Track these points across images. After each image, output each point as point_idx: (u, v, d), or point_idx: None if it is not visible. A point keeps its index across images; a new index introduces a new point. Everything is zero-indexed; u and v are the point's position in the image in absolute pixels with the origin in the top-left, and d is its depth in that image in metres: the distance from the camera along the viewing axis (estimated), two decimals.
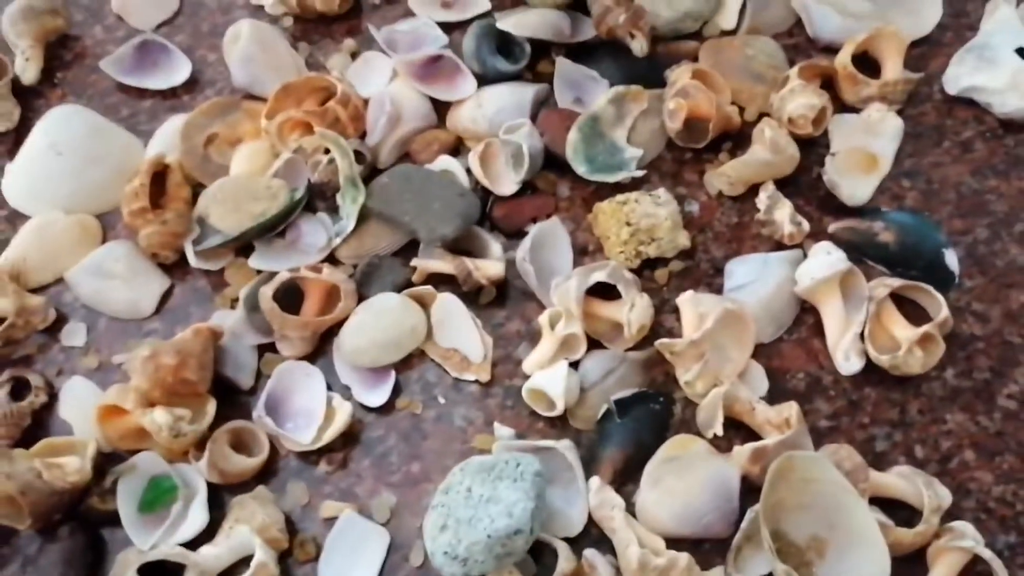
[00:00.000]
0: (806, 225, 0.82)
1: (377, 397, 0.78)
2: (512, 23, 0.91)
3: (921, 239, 0.82)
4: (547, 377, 0.75)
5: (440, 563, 0.67)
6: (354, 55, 0.96)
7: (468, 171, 0.86)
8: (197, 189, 0.87)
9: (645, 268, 0.82)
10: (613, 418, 0.75)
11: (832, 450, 0.71)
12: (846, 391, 0.76)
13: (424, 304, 0.81)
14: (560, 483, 0.73)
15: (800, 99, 0.85)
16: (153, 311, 0.84)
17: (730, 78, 0.89)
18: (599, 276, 0.78)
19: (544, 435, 0.76)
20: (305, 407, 0.78)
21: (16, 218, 0.89)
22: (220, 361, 0.79)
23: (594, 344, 0.79)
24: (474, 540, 0.66)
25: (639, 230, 0.81)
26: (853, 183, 0.84)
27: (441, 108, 0.92)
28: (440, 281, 0.82)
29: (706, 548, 0.71)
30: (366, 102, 0.91)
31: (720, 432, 0.73)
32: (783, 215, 0.81)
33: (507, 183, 0.86)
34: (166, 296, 0.85)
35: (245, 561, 0.70)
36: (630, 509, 0.72)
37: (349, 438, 0.77)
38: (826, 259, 0.78)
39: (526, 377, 0.77)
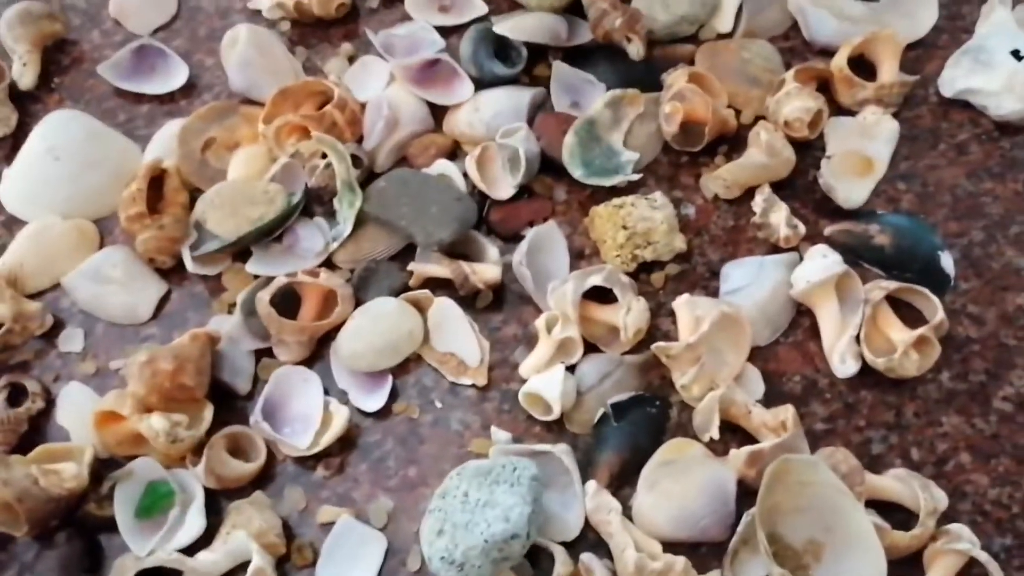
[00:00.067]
0: (802, 228, 0.82)
1: (374, 402, 0.78)
2: (509, 27, 0.91)
3: (917, 242, 0.82)
4: (544, 381, 0.75)
5: (437, 568, 0.67)
6: (351, 59, 0.96)
7: (465, 175, 0.86)
8: (194, 194, 0.87)
9: (641, 271, 0.82)
10: (609, 422, 0.75)
11: (828, 453, 0.71)
12: (842, 394, 0.77)
13: (421, 308, 0.81)
14: (557, 487, 0.73)
15: (796, 102, 0.85)
16: (150, 316, 0.84)
17: (726, 81, 0.89)
18: (595, 280, 0.78)
19: (541, 439, 0.76)
20: (302, 412, 0.78)
21: (13, 223, 0.89)
22: (217, 366, 0.79)
23: (591, 348, 0.79)
24: (471, 545, 0.66)
25: (635, 234, 0.81)
26: (849, 186, 0.84)
27: (438, 112, 0.92)
28: (437, 285, 0.82)
29: (703, 552, 0.71)
30: (363, 106, 0.91)
31: (716, 435, 0.74)
32: (779, 218, 0.81)
33: (504, 187, 0.86)
34: (163, 301, 0.85)
35: (243, 567, 0.70)
36: (627, 513, 0.72)
37: (346, 443, 0.77)
38: (822, 262, 0.78)
39: (523, 381, 0.77)
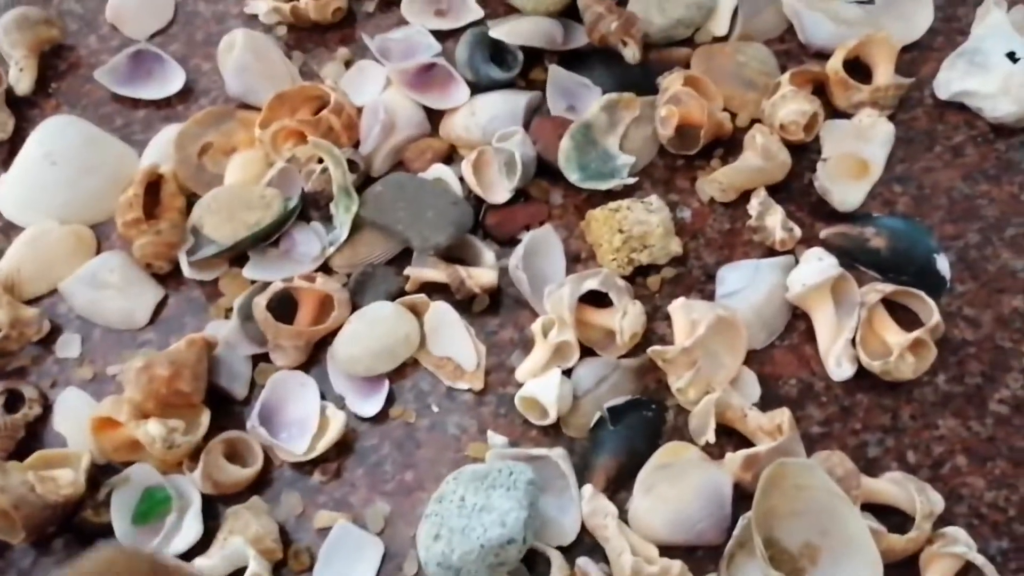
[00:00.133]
0: (798, 231, 0.82)
1: (371, 406, 0.78)
2: (505, 31, 0.91)
3: (912, 244, 0.82)
4: (540, 385, 0.75)
5: (433, 573, 0.67)
6: (348, 64, 0.96)
7: (461, 179, 0.87)
8: (191, 199, 0.87)
9: (637, 275, 0.82)
10: (606, 426, 0.75)
11: (824, 456, 0.71)
12: (838, 397, 0.77)
13: (417, 313, 0.81)
14: (553, 491, 0.73)
15: (791, 105, 0.85)
16: (147, 321, 0.84)
17: (722, 85, 0.89)
18: (591, 284, 0.78)
19: (537, 443, 0.76)
20: (299, 417, 0.78)
21: (10, 229, 0.89)
22: (214, 371, 0.79)
23: (587, 352, 0.79)
24: (467, 549, 0.66)
25: (631, 237, 0.81)
26: (844, 189, 0.84)
27: (434, 116, 0.92)
28: (433, 289, 0.82)
29: (699, 555, 0.71)
30: (360, 111, 0.91)
31: (712, 439, 0.74)
32: (775, 221, 0.82)
33: (500, 191, 0.86)
34: (160, 306, 0.85)
35: (240, 572, 0.70)
36: (623, 517, 0.72)
37: (343, 447, 0.77)
38: (818, 265, 0.78)
39: (519, 385, 0.77)
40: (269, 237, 0.84)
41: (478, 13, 0.97)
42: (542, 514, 0.71)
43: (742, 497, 0.71)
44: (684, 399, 0.76)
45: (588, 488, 0.72)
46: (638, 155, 0.88)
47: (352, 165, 0.86)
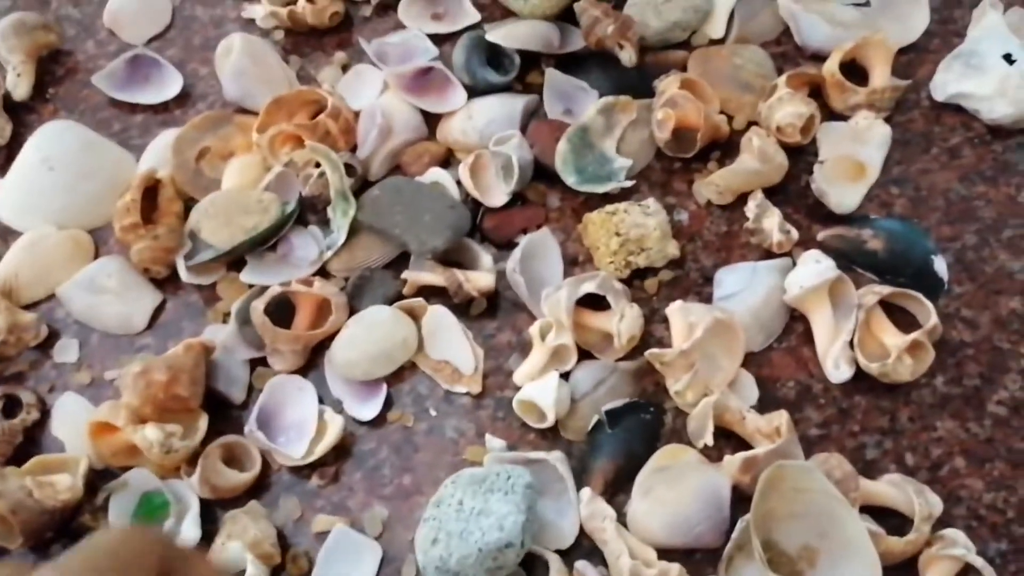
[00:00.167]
0: (795, 233, 0.82)
1: (369, 410, 0.78)
2: (501, 35, 0.91)
3: (910, 246, 0.82)
4: (538, 388, 0.75)
5: None
6: (345, 68, 0.96)
7: (458, 183, 0.86)
8: (189, 203, 0.87)
9: (635, 278, 0.82)
10: (604, 428, 0.75)
11: (822, 459, 0.71)
12: (836, 399, 0.77)
13: (415, 316, 0.81)
14: (551, 495, 0.73)
15: (788, 107, 0.85)
16: (145, 326, 0.84)
17: (718, 87, 0.89)
18: (589, 287, 0.78)
19: (535, 446, 0.76)
20: (297, 421, 0.78)
21: (8, 234, 0.89)
22: (212, 376, 0.79)
23: (585, 355, 0.79)
24: (465, 554, 0.66)
25: (628, 240, 0.81)
26: (841, 191, 0.84)
27: (432, 120, 0.92)
28: (431, 293, 0.82)
29: (697, 558, 0.71)
30: (357, 115, 0.91)
31: (711, 442, 0.73)
32: (772, 223, 0.82)
33: (497, 194, 0.86)
34: (158, 311, 0.85)
35: None
36: (622, 520, 0.72)
37: (341, 451, 0.77)
38: (815, 267, 0.78)
39: (517, 388, 0.77)
40: (267, 241, 0.84)
41: (475, 17, 0.97)
42: (540, 517, 0.71)
43: (741, 499, 0.71)
44: (682, 402, 0.76)
45: (586, 491, 0.72)
46: (635, 158, 0.88)
47: (349, 169, 0.86)
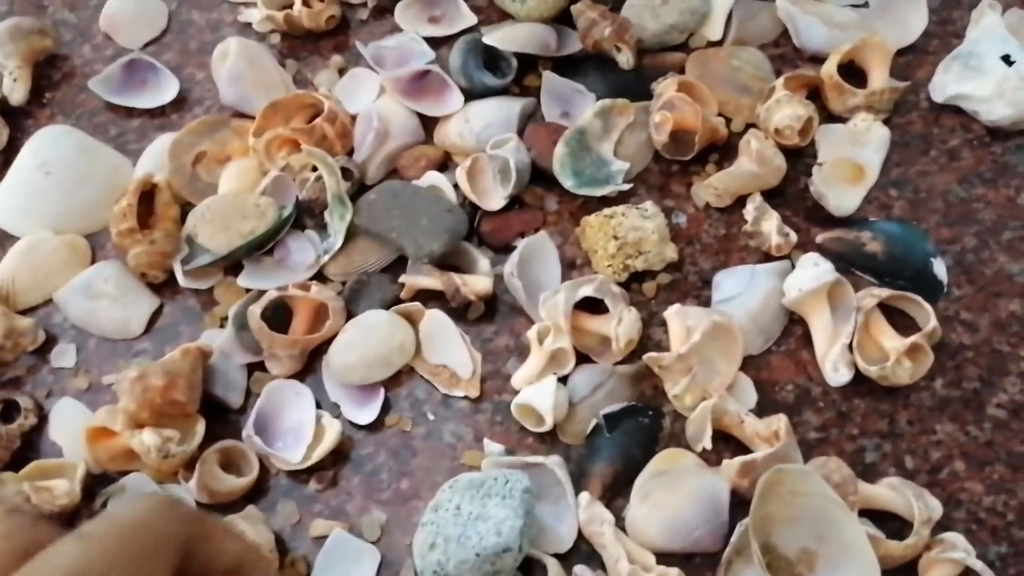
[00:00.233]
0: (793, 236, 0.82)
1: (366, 414, 0.78)
2: (498, 38, 0.91)
3: (909, 249, 0.82)
4: (536, 392, 0.75)
5: None
6: (341, 71, 0.96)
7: (455, 186, 0.86)
8: (186, 208, 0.87)
9: (633, 281, 0.82)
10: (602, 433, 0.75)
11: (820, 463, 0.71)
12: (835, 402, 0.76)
13: (413, 321, 0.81)
14: (550, 499, 0.73)
15: (786, 110, 0.85)
16: (142, 331, 0.84)
17: (716, 90, 0.89)
18: (587, 290, 0.78)
19: (534, 450, 0.76)
20: (294, 426, 0.78)
21: (5, 239, 0.89)
22: (209, 380, 0.79)
23: (583, 358, 0.79)
24: (463, 558, 0.66)
25: (626, 243, 0.81)
26: (840, 193, 0.84)
27: (429, 123, 0.92)
28: (428, 297, 0.82)
29: (696, 562, 0.70)
30: (354, 118, 0.91)
31: (709, 445, 0.73)
32: (770, 226, 0.81)
33: (494, 198, 0.86)
34: (155, 316, 0.85)
35: None
36: (620, 524, 0.71)
37: (339, 456, 0.77)
38: (814, 270, 0.78)
39: (515, 392, 0.77)
40: (264, 246, 0.84)
41: (472, 20, 0.97)
42: (538, 522, 0.71)
43: (739, 503, 0.70)
44: (680, 405, 0.76)
45: (584, 495, 0.72)
46: (633, 161, 0.88)
47: (346, 173, 0.86)
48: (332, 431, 0.76)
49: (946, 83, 0.89)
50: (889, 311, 0.79)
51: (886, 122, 0.88)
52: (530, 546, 0.68)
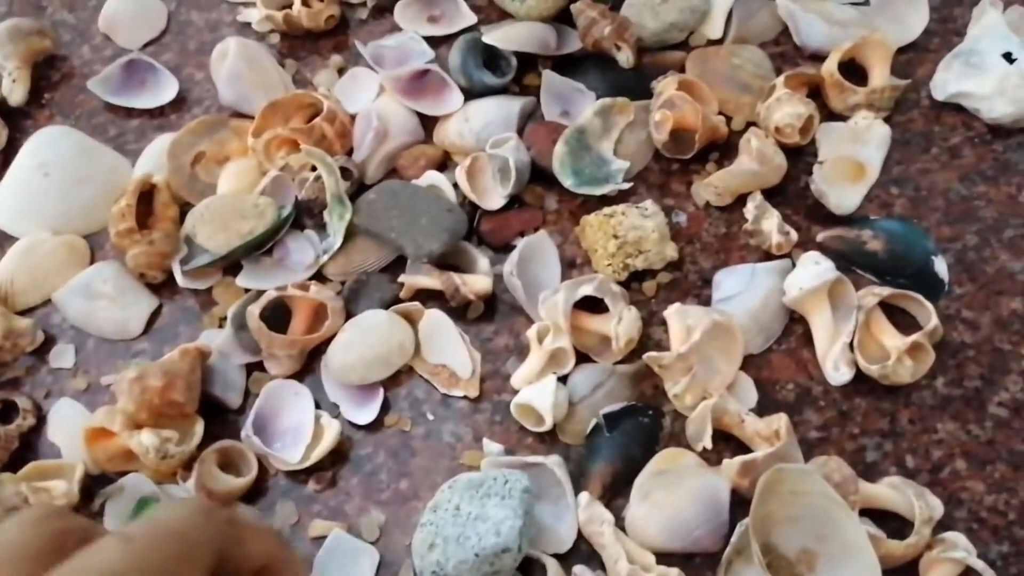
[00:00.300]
0: (794, 235, 0.81)
1: (365, 414, 0.78)
2: (498, 37, 0.90)
3: (910, 247, 0.81)
4: (535, 392, 0.75)
5: None
6: (341, 71, 0.96)
7: (455, 186, 0.86)
8: (185, 208, 0.87)
9: (633, 280, 0.82)
10: (602, 432, 0.74)
11: (821, 462, 0.70)
12: (836, 401, 0.76)
13: (412, 320, 0.81)
14: (549, 499, 0.73)
15: (787, 108, 0.84)
16: (141, 331, 0.84)
17: (716, 88, 0.89)
18: (586, 290, 0.78)
19: (533, 450, 0.76)
20: (293, 426, 0.78)
21: (3, 240, 0.89)
22: (208, 380, 0.79)
23: (583, 358, 0.79)
24: (462, 559, 0.66)
25: (626, 243, 0.80)
26: (841, 192, 0.84)
27: (428, 123, 0.92)
28: (428, 297, 0.82)
29: (696, 562, 0.70)
30: (353, 118, 0.91)
31: (709, 445, 0.73)
32: (771, 225, 0.81)
33: (494, 197, 0.86)
34: (154, 316, 0.85)
35: None
36: (620, 524, 0.71)
37: (338, 456, 0.77)
38: (814, 269, 0.78)
39: (515, 392, 0.77)
40: (263, 246, 0.84)
41: (471, 19, 0.97)
42: (538, 522, 0.71)
43: (740, 503, 0.70)
44: (680, 405, 0.75)
45: (584, 495, 0.72)
46: (633, 160, 0.87)
47: (345, 173, 0.85)
48: (331, 431, 0.76)
49: (947, 81, 0.89)
50: (890, 310, 0.79)
51: (887, 120, 0.88)
52: (529, 546, 0.68)
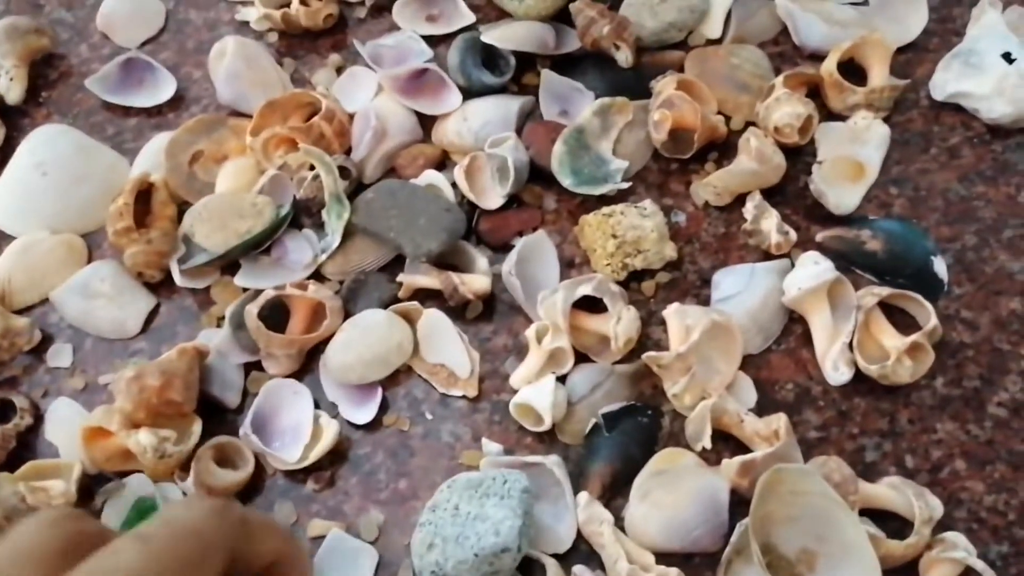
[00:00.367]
0: (793, 235, 0.81)
1: (364, 414, 0.78)
2: (497, 36, 0.90)
3: (909, 247, 0.81)
4: (534, 391, 0.75)
5: None
6: (339, 70, 0.96)
7: (454, 185, 0.86)
8: (182, 207, 0.87)
9: (632, 280, 0.82)
10: (601, 432, 0.74)
11: (821, 462, 0.70)
12: (835, 401, 0.76)
13: (410, 320, 0.80)
14: (548, 499, 0.73)
15: (786, 108, 0.84)
16: (139, 330, 0.84)
17: (715, 88, 0.89)
18: (585, 289, 0.78)
19: (532, 450, 0.76)
20: (292, 425, 0.78)
21: (1, 238, 0.88)
22: (206, 380, 0.79)
23: (581, 358, 0.78)
24: (461, 559, 0.66)
25: (625, 242, 0.80)
26: (840, 191, 0.84)
27: (427, 122, 0.91)
28: (426, 296, 0.82)
29: (696, 562, 0.70)
30: (351, 117, 0.90)
31: (709, 445, 0.73)
32: (770, 225, 0.81)
33: (493, 197, 0.86)
34: (152, 315, 0.84)
35: None
36: (619, 524, 0.71)
37: (336, 456, 0.77)
38: (814, 269, 0.78)
39: (513, 392, 0.77)
40: (261, 245, 0.84)
41: (470, 18, 0.96)
42: (537, 522, 0.71)
43: (739, 503, 0.70)
44: (680, 405, 0.75)
45: (583, 495, 0.72)
46: (631, 159, 0.87)
47: (344, 172, 0.85)
48: (330, 431, 0.76)
49: (946, 81, 0.89)
50: (889, 309, 0.79)
51: (886, 120, 0.87)
52: (529, 546, 0.68)
